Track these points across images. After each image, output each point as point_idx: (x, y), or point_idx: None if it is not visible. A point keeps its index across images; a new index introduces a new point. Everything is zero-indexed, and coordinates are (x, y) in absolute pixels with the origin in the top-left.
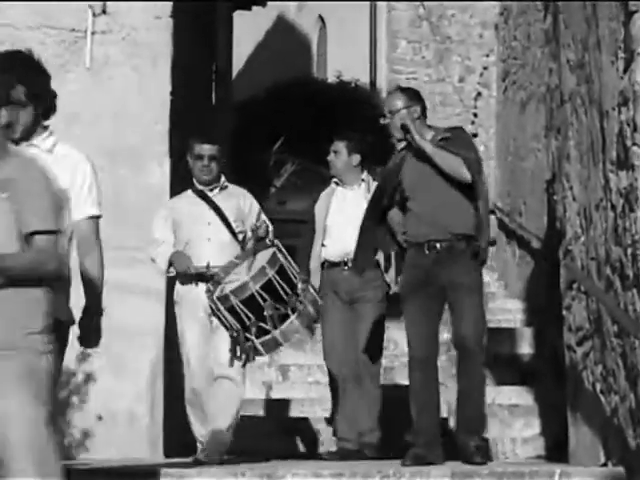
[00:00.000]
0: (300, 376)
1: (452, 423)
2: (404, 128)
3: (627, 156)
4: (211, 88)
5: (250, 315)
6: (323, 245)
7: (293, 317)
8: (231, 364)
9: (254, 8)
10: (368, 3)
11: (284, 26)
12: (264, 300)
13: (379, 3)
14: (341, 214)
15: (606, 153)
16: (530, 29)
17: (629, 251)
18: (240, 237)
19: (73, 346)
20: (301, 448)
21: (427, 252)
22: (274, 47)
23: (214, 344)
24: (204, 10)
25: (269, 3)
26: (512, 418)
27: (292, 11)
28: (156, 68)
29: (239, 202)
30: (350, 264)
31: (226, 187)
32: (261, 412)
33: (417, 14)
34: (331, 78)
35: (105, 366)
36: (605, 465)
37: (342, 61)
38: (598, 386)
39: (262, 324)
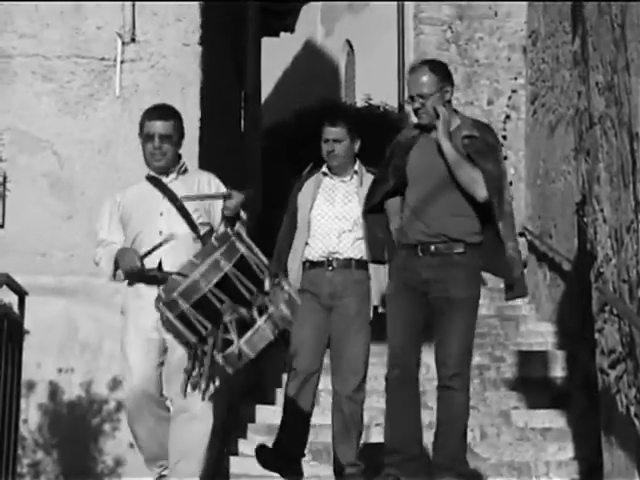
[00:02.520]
0: (331, 401)
1: (479, 449)
2: (437, 114)
3: None
4: (240, 114)
5: (205, 323)
6: (306, 243)
7: (260, 321)
8: (183, 391)
9: (282, 35)
10: (395, 27)
11: (312, 51)
12: (221, 302)
13: (407, 27)
14: (328, 208)
15: (636, 175)
16: (558, 52)
17: None
18: (202, 231)
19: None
20: (333, 474)
21: (420, 255)
22: (302, 72)
23: (171, 371)
24: (232, 37)
25: (297, 29)
26: (545, 442)
27: (320, 36)
28: (185, 95)
29: (200, 188)
30: (335, 264)
31: (185, 171)
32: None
33: (445, 38)
34: (359, 102)
35: None
36: None
37: (370, 85)
38: (632, 409)
39: (222, 333)
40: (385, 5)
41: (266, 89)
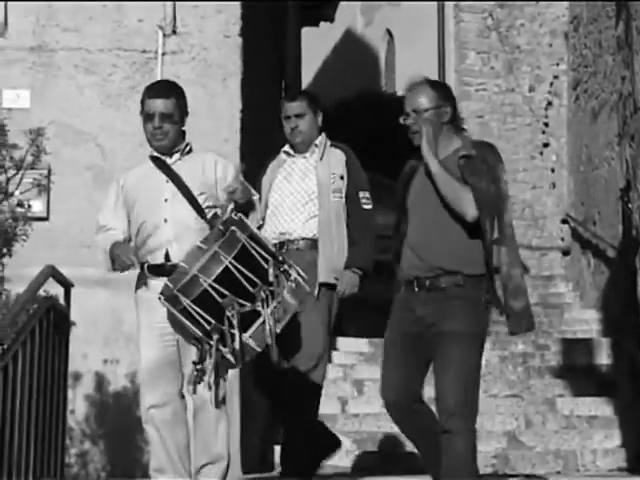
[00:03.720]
0: (375, 390)
1: (524, 437)
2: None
3: None
4: (280, 104)
5: (209, 318)
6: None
7: (266, 313)
8: (191, 384)
9: (322, 24)
10: (435, 16)
11: (352, 40)
12: (222, 296)
13: (447, 15)
14: (284, 188)
15: None
16: (601, 36)
17: None
18: (209, 215)
19: None
20: (377, 463)
21: (416, 290)
22: (342, 61)
23: (184, 364)
24: (273, 28)
25: (337, 18)
26: (591, 429)
27: (360, 26)
28: (226, 86)
29: (205, 169)
30: (285, 247)
31: (190, 151)
32: (337, 427)
33: (486, 25)
34: (400, 91)
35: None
36: None
37: (410, 73)
38: None
39: (227, 328)
40: None
41: (306, 78)
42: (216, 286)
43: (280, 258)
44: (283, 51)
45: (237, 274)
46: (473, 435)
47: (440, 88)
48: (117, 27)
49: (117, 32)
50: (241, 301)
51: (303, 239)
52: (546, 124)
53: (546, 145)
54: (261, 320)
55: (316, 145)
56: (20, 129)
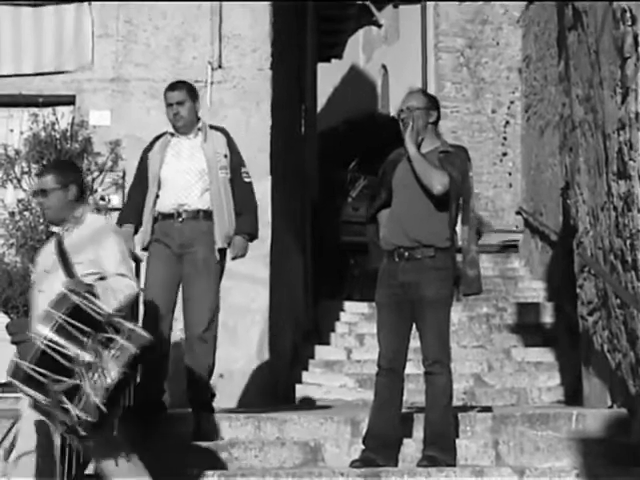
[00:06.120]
0: (373, 342)
1: (487, 378)
2: (405, 125)
3: (625, 169)
4: (301, 122)
5: (40, 396)
6: (157, 197)
7: (87, 388)
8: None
9: (333, 61)
10: (420, 54)
11: (355, 73)
12: (46, 375)
13: (429, 54)
14: (175, 165)
15: (608, 166)
16: (546, 72)
17: (628, 242)
18: (90, 280)
19: None
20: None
21: (397, 260)
22: (348, 90)
23: None
24: (295, 63)
25: (344, 56)
26: (538, 372)
27: (361, 62)
28: (259, 108)
29: (91, 242)
30: (184, 215)
31: (82, 222)
32: (344, 370)
33: (458, 62)
34: (392, 113)
35: (225, 337)
36: (611, 407)
37: (401, 99)
38: (605, 346)
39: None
40: (412, 37)
41: (320, 103)
42: (36, 368)
43: (106, 326)
44: (303, 82)
45: (54, 353)
46: (450, 375)
47: (430, 96)
48: (176, 63)
49: (176, 67)
50: (61, 378)
51: (199, 210)
52: (505, 138)
53: (505, 154)
54: (84, 394)
55: (199, 128)
56: (102, 141)
